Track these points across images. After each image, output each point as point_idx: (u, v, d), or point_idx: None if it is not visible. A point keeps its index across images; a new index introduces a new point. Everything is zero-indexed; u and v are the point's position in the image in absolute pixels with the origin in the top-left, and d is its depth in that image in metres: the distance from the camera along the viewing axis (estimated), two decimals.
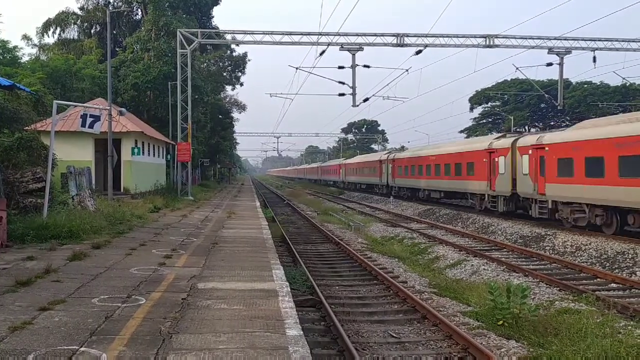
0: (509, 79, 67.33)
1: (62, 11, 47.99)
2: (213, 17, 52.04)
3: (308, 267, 14.09)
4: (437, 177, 32.52)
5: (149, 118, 40.45)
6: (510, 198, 23.79)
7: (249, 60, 61.74)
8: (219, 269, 10.17)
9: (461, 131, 77.80)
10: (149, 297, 7.71)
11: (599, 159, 17.65)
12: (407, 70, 31.68)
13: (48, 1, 54.80)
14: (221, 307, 7.29)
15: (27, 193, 15.29)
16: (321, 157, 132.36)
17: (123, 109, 23.91)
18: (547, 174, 20.50)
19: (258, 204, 31.76)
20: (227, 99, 71.17)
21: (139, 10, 47.34)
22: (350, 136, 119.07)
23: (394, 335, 8.83)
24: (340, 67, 30.91)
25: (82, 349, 5.46)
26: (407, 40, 30.90)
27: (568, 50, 31.44)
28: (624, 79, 40.73)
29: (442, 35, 31.16)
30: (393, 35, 30.83)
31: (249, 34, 31.37)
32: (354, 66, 30.21)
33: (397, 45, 30.73)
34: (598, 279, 13.19)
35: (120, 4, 47.55)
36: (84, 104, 20.86)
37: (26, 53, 52.98)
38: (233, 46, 56.25)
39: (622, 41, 31.71)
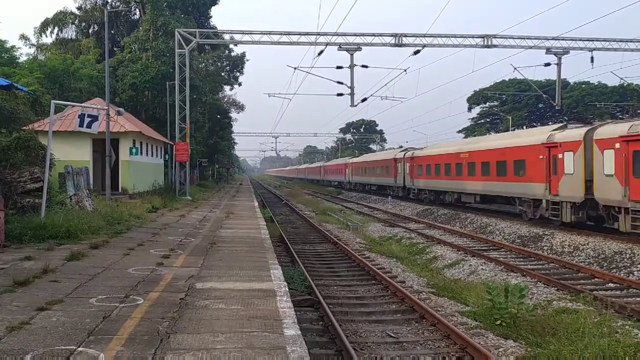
0: (507, 79, 67.47)
1: (60, 11, 47.90)
2: (211, 17, 52.12)
3: (306, 267, 14.09)
4: (471, 177, 27.35)
5: (147, 118, 40.39)
6: (581, 205, 18.76)
7: (247, 60, 61.89)
8: (217, 269, 10.17)
9: (459, 131, 78.13)
10: (147, 297, 7.71)
11: None
12: (405, 70, 31.69)
13: (48, 1, 54.62)
14: (219, 307, 7.29)
15: (24, 193, 15.28)
16: (319, 157, 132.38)
17: (121, 109, 23.83)
18: None
19: (256, 204, 31.76)
20: (226, 99, 71.12)
21: (137, 10, 47.29)
22: (348, 136, 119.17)
23: (392, 335, 8.83)
24: (339, 67, 30.88)
25: (79, 349, 5.46)
26: (405, 40, 30.90)
27: (566, 51, 31.46)
28: (621, 79, 40.88)
29: (441, 35, 31.17)
30: (391, 35, 30.83)
31: (247, 34, 31.35)
32: (352, 66, 30.19)
33: (395, 45, 30.72)
34: (596, 279, 13.21)
35: (118, 3, 47.49)
36: (82, 104, 20.81)
37: (24, 53, 52.77)
38: (231, 46, 56.36)
39: (620, 41, 31.74)
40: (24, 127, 21.37)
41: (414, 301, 10.40)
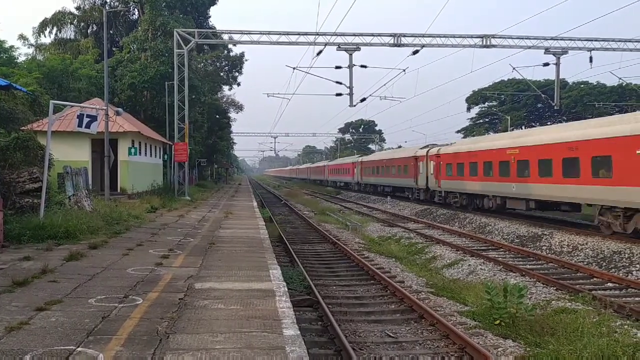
0: (505, 79, 67.59)
1: (59, 11, 47.82)
2: (210, 17, 52.13)
3: (305, 267, 14.09)
4: (522, 179, 22.42)
5: (146, 118, 40.38)
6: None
7: (246, 60, 61.76)
8: (216, 269, 10.17)
9: (458, 131, 78.15)
10: (146, 297, 7.70)
11: None
12: (404, 70, 31.69)
13: (47, 1, 54.58)
14: (218, 307, 7.28)
15: (23, 193, 15.26)
16: (318, 157, 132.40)
17: (120, 109, 23.82)
18: None
19: (255, 204, 31.76)
20: (224, 99, 71.08)
21: (136, 10, 47.26)
22: (347, 136, 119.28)
23: (391, 335, 8.84)
24: (338, 67, 30.89)
25: (79, 349, 5.46)
26: (404, 40, 30.91)
27: (565, 51, 31.48)
28: (620, 79, 41.01)
29: (439, 35, 31.18)
30: (390, 35, 30.83)
31: (246, 34, 31.34)
32: (351, 66, 30.18)
33: (394, 45, 30.73)
34: (594, 279, 13.22)
35: (116, 3, 47.47)
36: (81, 104, 20.82)
37: (23, 53, 52.91)
38: (230, 46, 56.28)
39: (619, 41, 31.77)
40: (23, 127, 21.33)
41: (413, 301, 10.41)
